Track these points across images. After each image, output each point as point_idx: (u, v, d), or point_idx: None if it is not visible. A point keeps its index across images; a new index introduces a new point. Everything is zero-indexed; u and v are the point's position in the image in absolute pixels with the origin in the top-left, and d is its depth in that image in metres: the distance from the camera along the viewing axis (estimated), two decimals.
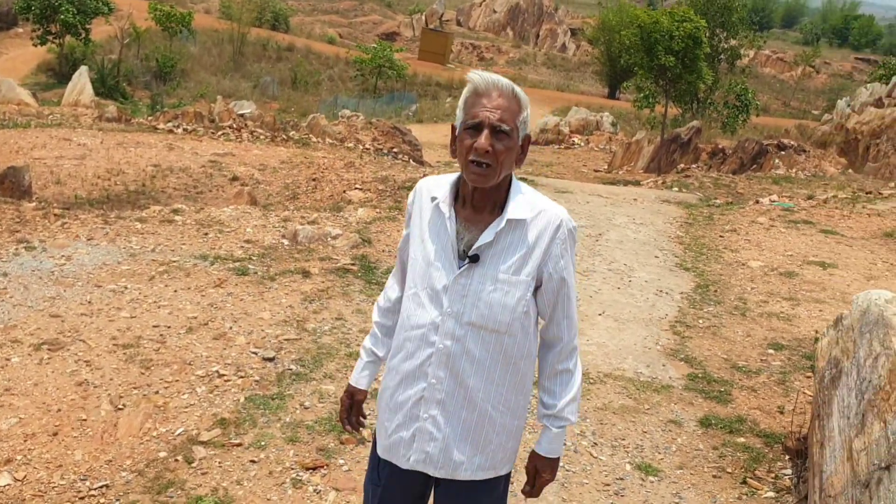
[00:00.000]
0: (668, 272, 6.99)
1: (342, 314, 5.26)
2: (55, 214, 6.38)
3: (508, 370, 2.10)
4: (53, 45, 28.83)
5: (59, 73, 28.34)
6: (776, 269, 7.18)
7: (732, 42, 24.20)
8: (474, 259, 2.03)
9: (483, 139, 1.95)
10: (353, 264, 6.20)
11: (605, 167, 18.78)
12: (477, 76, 2.04)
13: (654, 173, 16.95)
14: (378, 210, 8.06)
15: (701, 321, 5.84)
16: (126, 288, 5.32)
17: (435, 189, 2.14)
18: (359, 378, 2.37)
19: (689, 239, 8.13)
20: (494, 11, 52.66)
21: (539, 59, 46.61)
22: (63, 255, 5.69)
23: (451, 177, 2.14)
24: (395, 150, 14.69)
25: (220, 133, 13.24)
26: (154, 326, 4.82)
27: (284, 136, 13.80)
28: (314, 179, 10.76)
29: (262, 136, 13.51)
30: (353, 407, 2.38)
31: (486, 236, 2.02)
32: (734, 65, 25.77)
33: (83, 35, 28.65)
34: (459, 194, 2.11)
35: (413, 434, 2.10)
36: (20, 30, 33.80)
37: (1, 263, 5.46)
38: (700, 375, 4.93)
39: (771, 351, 5.36)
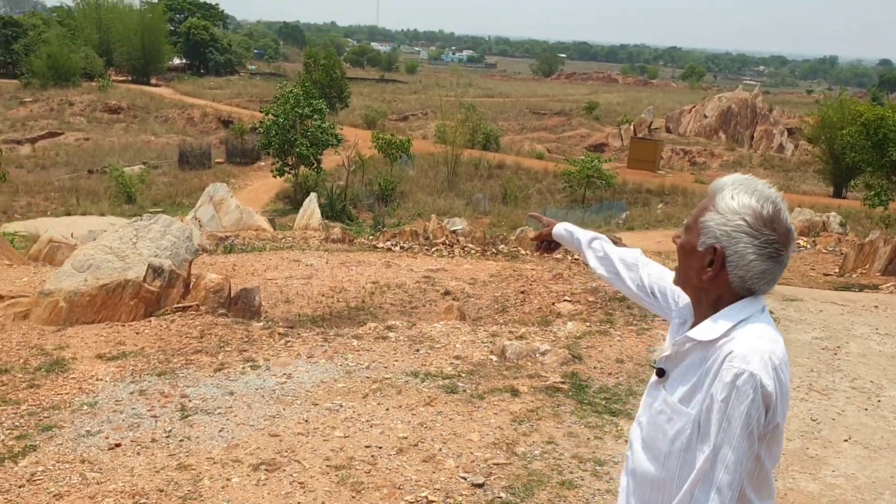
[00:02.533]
0: None
1: (553, 437, 4.99)
2: (279, 333, 6.73)
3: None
4: (290, 176, 31.88)
5: (293, 200, 31.14)
6: None
7: None
8: (661, 373, 1.87)
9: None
10: (563, 382, 5.94)
11: (836, 270, 17.19)
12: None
13: (893, 276, 15.27)
14: (588, 324, 7.77)
15: None
16: (341, 406, 5.41)
17: None
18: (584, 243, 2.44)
19: None
20: (705, 116, 51.63)
21: (755, 160, 44.73)
22: (284, 374, 5.93)
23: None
24: None
25: (433, 249, 13.68)
26: (366, 447, 4.81)
27: (494, 250, 13.99)
28: (522, 292, 10.70)
29: (472, 251, 13.79)
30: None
31: (667, 347, 1.87)
32: None
33: (315, 165, 31.51)
34: None
35: None
36: (262, 163, 37.80)
37: (229, 382, 5.78)
38: None
39: None
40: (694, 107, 53.86)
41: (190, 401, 5.47)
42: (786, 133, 50.23)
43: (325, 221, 18.86)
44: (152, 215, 7.45)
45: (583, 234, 2.51)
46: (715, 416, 1.67)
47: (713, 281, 1.78)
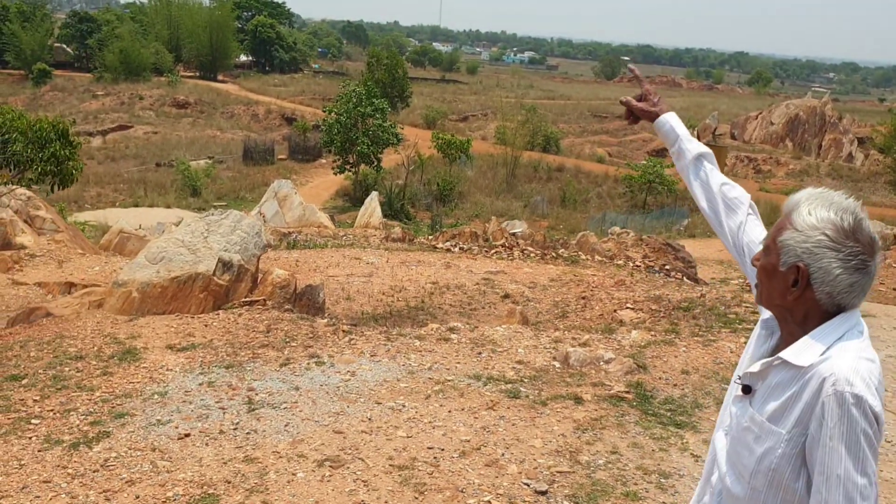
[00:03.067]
0: None
1: (617, 447, 4.93)
2: (343, 331, 6.81)
3: None
4: (350, 173, 32.21)
5: (353, 198, 31.46)
6: None
7: None
8: (746, 390, 1.82)
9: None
10: (627, 392, 5.87)
11: None
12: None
13: None
14: (653, 333, 7.66)
15: None
16: (404, 406, 5.44)
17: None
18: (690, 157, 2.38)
19: None
20: (772, 123, 50.45)
21: (822, 170, 43.53)
22: (348, 371, 5.99)
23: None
24: (667, 266, 14.17)
25: (493, 251, 13.66)
26: (429, 448, 4.82)
27: (554, 254, 13.90)
28: (583, 297, 10.61)
29: (532, 254, 13.73)
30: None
31: (755, 365, 1.82)
32: None
33: (375, 163, 31.78)
34: None
35: None
36: (323, 161, 38.30)
37: (294, 377, 5.86)
38: None
39: None
40: (760, 113, 52.67)
41: (257, 394, 5.57)
42: (856, 142, 48.74)
43: (385, 220, 19.00)
44: (223, 210, 7.60)
45: (688, 143, 2.40)
46: (830, 444, 1.62)
47: (799, 300, 1.74)
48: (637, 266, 13.88)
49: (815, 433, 1.66)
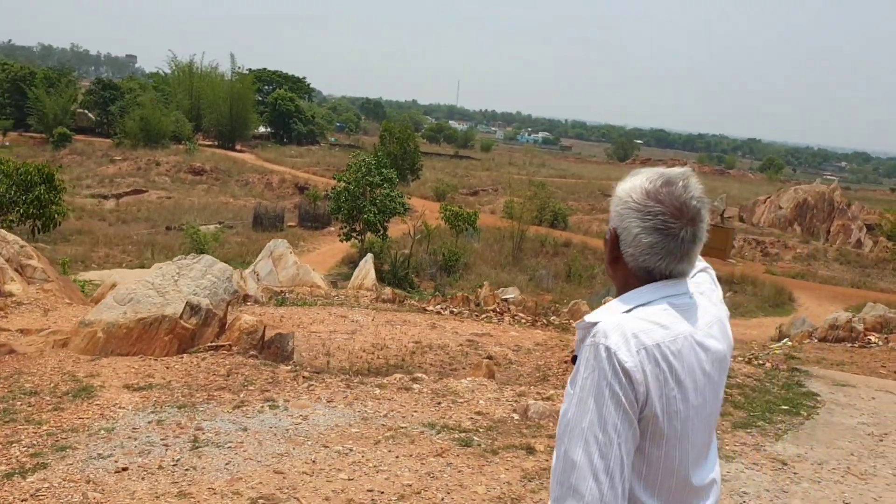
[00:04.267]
0: None
1: None
2: (304, 377, 6.72)
3: None
4: (356, 241, 32.40)
5: (358, 265, 31.52)
6: None
7: None
8: (574, 360, 1.75)
9: None
10: None
11: None
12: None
13: None
14: None
15: None
16: (351, 450, 5.32)
17: None
18: None
19: None
20: (780, 207, 50.59)
21: (830, 255, 43.36)
22: (301, 415, 5.89)
23: None
24: None
25: (482, 315, 13.59)
26: (368, 490, 4.70)
27: (545, 321, 13.81)
28: (566, 362, 10.47)
29: (522, 320, 13.64)
30: None
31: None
32: None
33: (381, 232, 31.98)
34: None
35: None
36: (332, 229, 38.58)
37: (245, 419, 5.77)
38: None
39: None
40: (769, 197, 52.87)
41: (203, 433, 5.47)
42: (865, 229, 48.68)
43: (378, 284, 18.99)
44: (196, 255, 7.63)
45: None
46: (580, 395, 1.59)
47: (614, 265, 1.75)
48: None
49: (570, 387, 1.63)
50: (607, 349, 1.58)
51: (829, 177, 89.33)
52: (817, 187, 52.08)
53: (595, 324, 1.64)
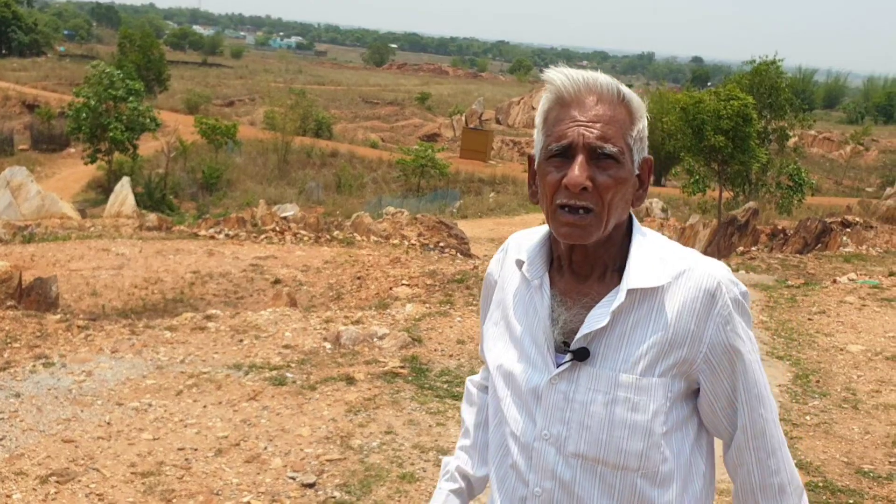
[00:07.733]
0: None
1: (392, 426, 4.59)
2: (79, 326, 5.90)
3: None
4: (103, 163, 29.52)
5: (107, 189, 28.84)
6: (881, 354, 6.34)
7: (781, 123, 23.75)
8: (580, 355, 1.28)
9: (577, 170, 1.25)
10: (402, 367, 5.55)
11: None
12: (560, 75, 1.35)
13: (713, 257, 16.26)
14: (428, 305, 7.45)
15: (808, 417, 5.03)
16: (150, 405, 4.74)
17: (525, 245, 1.42)
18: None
19: (774, 324, 7.32)
20: (533, 108, 53.24)
21: None
22: (83, 371, 5.15)
23: (545, 229, 1.42)
24: (441, 244, 14.21)
25: (262, 237, 12.92)
26: (179, 449, 4.20)
27: (328, 237, 13.43)
28: (359, 278, 10.26)
29: (305, 238, 13.15)
30: None
31: (597, 319, 1.28)
32: (784, 145, 25.22)
33: (131, 151, 29.35)
34: (553, 254, 1.39)
35: None
36: (72, 150, 34.91)
37: (15, 383, 4.93)
38: (821, 485, 4.11)
39: None
40: (522, 98, 55.39)
41: None
42: None
43: (139, 210, 17.49)
44: None
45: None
46: (749, 358, 1.34)
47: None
48: (412, 244, 13.77)
49: (719, 358, 1.31)
50: (744, 294, 1.35)
51: None
52: None
53: (683, 272, 1.32)
